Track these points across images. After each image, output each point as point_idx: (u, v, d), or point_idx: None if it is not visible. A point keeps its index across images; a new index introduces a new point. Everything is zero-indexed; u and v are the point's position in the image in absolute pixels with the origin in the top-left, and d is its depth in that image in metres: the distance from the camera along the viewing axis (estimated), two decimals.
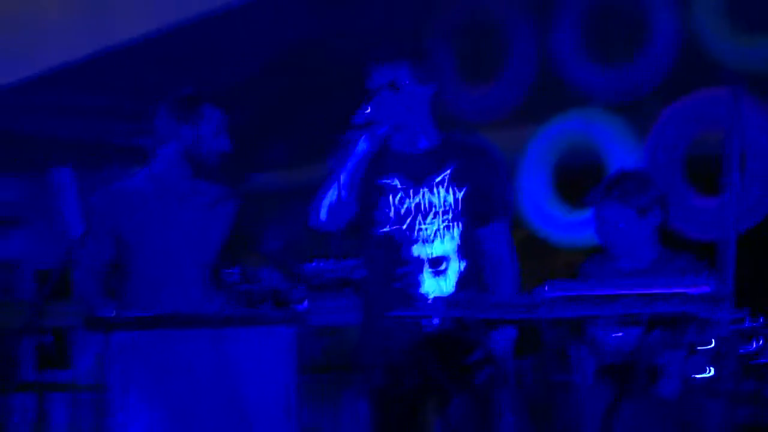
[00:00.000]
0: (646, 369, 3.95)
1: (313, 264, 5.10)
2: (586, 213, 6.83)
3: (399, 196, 4.40)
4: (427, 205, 4.39)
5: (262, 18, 7.67)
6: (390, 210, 4.39)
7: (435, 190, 4.40)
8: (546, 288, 3.75)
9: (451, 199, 4.42)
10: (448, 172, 4.43)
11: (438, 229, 4.41)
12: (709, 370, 4.31)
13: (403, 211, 4.39)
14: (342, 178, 4.25)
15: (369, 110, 4.32)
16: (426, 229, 4.40)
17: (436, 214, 4.40)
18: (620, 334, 4.31)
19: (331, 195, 4.34)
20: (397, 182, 4.40)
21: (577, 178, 6.12)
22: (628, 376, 3.95)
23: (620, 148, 6.72)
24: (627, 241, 4.52)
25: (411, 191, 4.39)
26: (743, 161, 6.24)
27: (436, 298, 4.00)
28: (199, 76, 7.72)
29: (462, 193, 4.43)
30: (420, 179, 4.41)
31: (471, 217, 4.43)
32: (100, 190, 4.64)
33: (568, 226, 6.86)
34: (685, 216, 6.41)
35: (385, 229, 4.39)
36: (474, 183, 4.44)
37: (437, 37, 7.22)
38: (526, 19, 6.94)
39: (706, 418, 4.33)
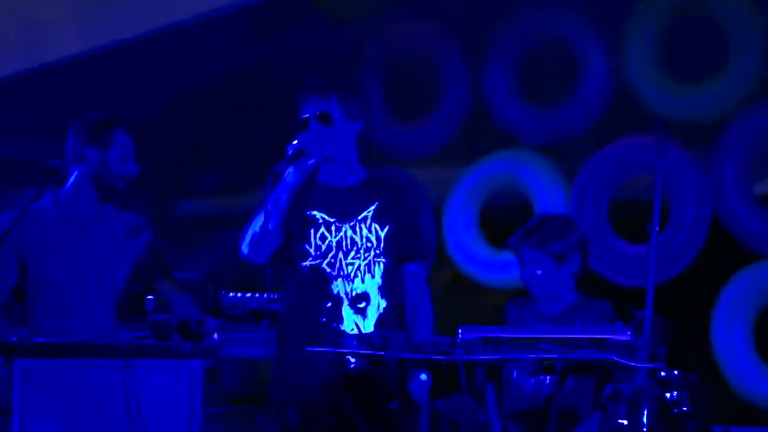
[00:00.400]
0: (560, 415, 3.91)
1: (231, 295, 5.02)
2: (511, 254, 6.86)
3: (321, 231, 4.35)
4: (349, 242, 4.35)
5: (200, 43, 7.62)
6: (311, 245, 4.34)
7: (358, 227, 4.35)
8: (460, 331, 3.73)
9: (373, 237, 4.37)
10: (372, 209, 4.39)
11: (359, 267, 4.36)
12: (626, 419, 4.29)
13: (324, 246, 4.34)
14: (269, 208, 4.19)
15: (299, 141, 4.28)
16: (348, 266, 4.35)
17: (358, 251, 4.35)
18: (538, 378, 4.30)
19: (256, 226, 4.28)
20: (320, 216, 4.35)
21: (504, 219, 6.09)
22: (542, 421, 3.92)
23: (548, 190, 6.71)
24: (545, 286, 4.54)
25: (333, 227, 4.34)
26: (668, 209, 6.26)
27: (355, 336, 3.94)
28: (131, 97, 7.68)
29: (385, 231, 4.39)
30: (344, 215, 4.36)
31: (393, 256, 4.39)
32: (4, 212, 4.51)
33: (494, 266, 6.83)
34: (609, 261, 6.41)
35: (307, 263, 4.34)
36: (397, 221, 4.40)
37: (369, 72, 7.19)
38: (459, 57, 6.92)
39: None
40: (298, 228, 4.35)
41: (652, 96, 6.42)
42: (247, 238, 4.30)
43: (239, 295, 5.08)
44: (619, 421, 4.25)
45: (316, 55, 7.24)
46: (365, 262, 4.35)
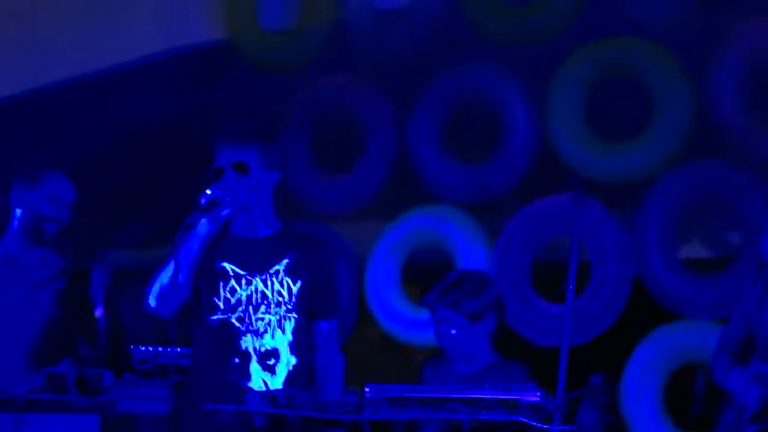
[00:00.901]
0: None
1: (142, 348, 4.90)
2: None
3: (231, 283, 4.25)
4: (259, 296, 4.24)
5: (129, 90, 7.54)
6: (220, 298, 4.23)
7: (269, 280, 4.25)
8: (367, 389, 3.64)
9: (285, 291, 4.27)
10: (285, 262, 4.29)
11: (270, 322, 4.26)
12: None
13: (234, 300, 4.24)
14: (179, 260, 4.08)
15: (212, 191, 4.17)
16: (257, 321, 4.24)
17: (268, 305, 4.25)
18: None
19: (164, 278, 4.17)
20: (231, 268, 4.25)
21: (427, 276, 6.03)
22: None
23: (471, 247, 6.66)
24: (460, 345, 4.48)
25: (244, 280, 4.24)
26: (588, 269, 6.23)
27: (258, 393, 3.83)
28: (60, 144, 7.58)
29: (298, 286, 4.29)
30: (255, 268, 4.26)
31: (305, 312, 4.29)
32: None
33: (415, 324, 6.74)
34: (531, 321, 6.36)
35: (215, 317, 4.23)
36: (310, 276, 4.30)
37: (296, 124, 7.14)
38: (386, 111, 6.88)
39: None
40: (207, 280, 4.24)
41: (577, 154, 6.41)
42: (155, 290, 4.19)
43: (150, 348, 4.96)
44: None
45: (245, 106, 7.19)
46: (276, 317, 4.26)
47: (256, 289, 4.23)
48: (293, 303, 4.26)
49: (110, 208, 8.05)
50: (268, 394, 3.76)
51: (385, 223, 6.98)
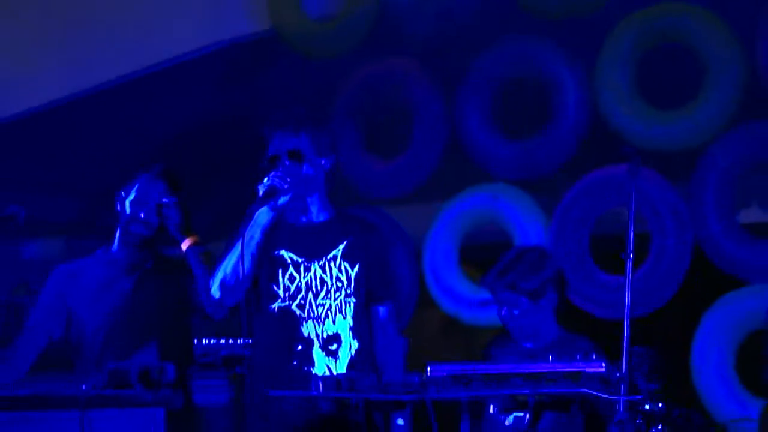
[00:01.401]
0: None
1: (204, 342, 4.91)
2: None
3: (290, 271, 4.24)
4: (318, 283, 4.23)
5: (174, 87, 7.56)
6: (280, 286, 4.23)
7: (327, 266, 4.24)
8: (429, 369, 3.63)
9: (344, 276, 4.26)
10: (342, 247, 4.28)
11: (330, 308, 4.25)
12: None
13: (293, 287, 4.23)
14: (243, 250, 4.08)
15: (271, 179, 4.17)
16: (318, 307, 4.24)
17: (328, 291, 4.24)
18: (516, 414, 4.20)
19: (227, 268, 4.17)
20: (289, 256, 4.24)
21: (485, 255, 6.00)
22: None
23: (527, 224, 6.61)
24: (524, 325, 4.41)
25: (302, 267, 4.23)
26: (648, 240, 6.16)
27: (326, 378, 3.81)
28: (112, 143, 7.62)
29: (355, 270, 4.28)
30: (313, 254, 4.25)
31: (363, 296, 4.28)
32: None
33: (477, 304, 6.70)
34: (592, 294, 6.31)
35: (276, 306, 4.23)
36: (366, 260, 4.29)
37: (343, 110, 7.12)
38: (434, 92, 6.85)
39: None
40: (266, 269, 4.23)
41: (629, 125, 6.34)
42: (217, 281, 4.19)
43: (212, 341, 4.97)
44: None
45: (293, 95, 7.19)
46: (336, 302, 4.25)
47: (315, 275, 4.22)
48: (352, 287, 4.26)
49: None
50: (332, 379, 3.76)
51: (439, 205, 6.95)
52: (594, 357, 3.74)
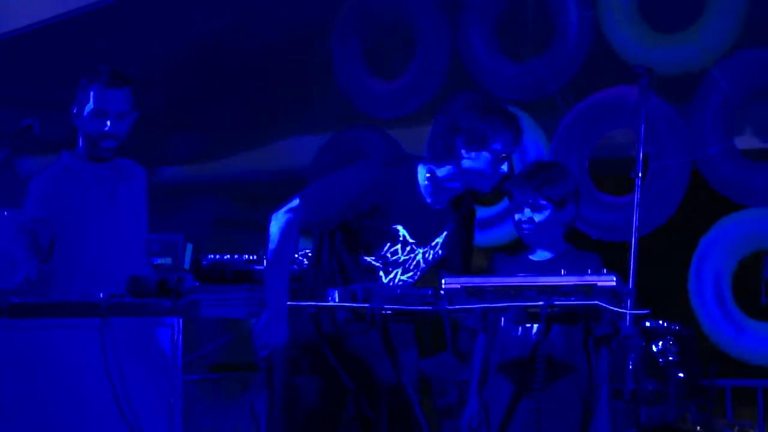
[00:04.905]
0: (548, 363, 3.86)
1: (211, 257, 4.92)
2: (491, 210, 6.80)
3: (396, 247, 4.10)
4: (413, 264, 4.14)
5: (175, 7, 7.53)
6: (381, 252, 4.08)
7: (429, 252, 4.15)
8: (444, 281, 3.66)
9: (431, 258, 4.18)
10: (444, 235, 4.19)
11: (403, 280, 4.18)
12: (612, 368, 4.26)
13: (392, 259, 4.10)
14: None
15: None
16: (399, 281, 4.15)
17: (416, 272, 4.16)
18: (525, 326, 4.24)
19: None
20: (403, 234, 4.11)
21: None
22: (530, 369, 3.87)
23: (526, 142, 6.63)
24: (541, 232, 4.35)
25: (409, 248, 4.11)
26: (646, 162, 6.20)
27: (342, 289, 3.78)
28: (112, 60, 7.56)
29: (440, 257, 4.20)
30: (422, 240, 4.12)
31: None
32: None
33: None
34: (591, 216, 6.36)
35: (367, 259, 4.10)
36: (449, 251, 4.21)
37: (345, 30, 7.11)
38: (436, 13, 6.85)
39: (608, 417, 4.27)
40: (376, 231, 4.06)
41: (630, 48, 6.36)
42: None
43: (219, 257, 4.97)
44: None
45: (294, 14, 7.18)
46: (413, 277, 4.18)
47: (414, 257, 4.13)
48: (428, 267, 4.18)
49: (164, 126, 8.09)
50: (348, 290, 3.76)
51: None
52: (602, 270, 3.74)
